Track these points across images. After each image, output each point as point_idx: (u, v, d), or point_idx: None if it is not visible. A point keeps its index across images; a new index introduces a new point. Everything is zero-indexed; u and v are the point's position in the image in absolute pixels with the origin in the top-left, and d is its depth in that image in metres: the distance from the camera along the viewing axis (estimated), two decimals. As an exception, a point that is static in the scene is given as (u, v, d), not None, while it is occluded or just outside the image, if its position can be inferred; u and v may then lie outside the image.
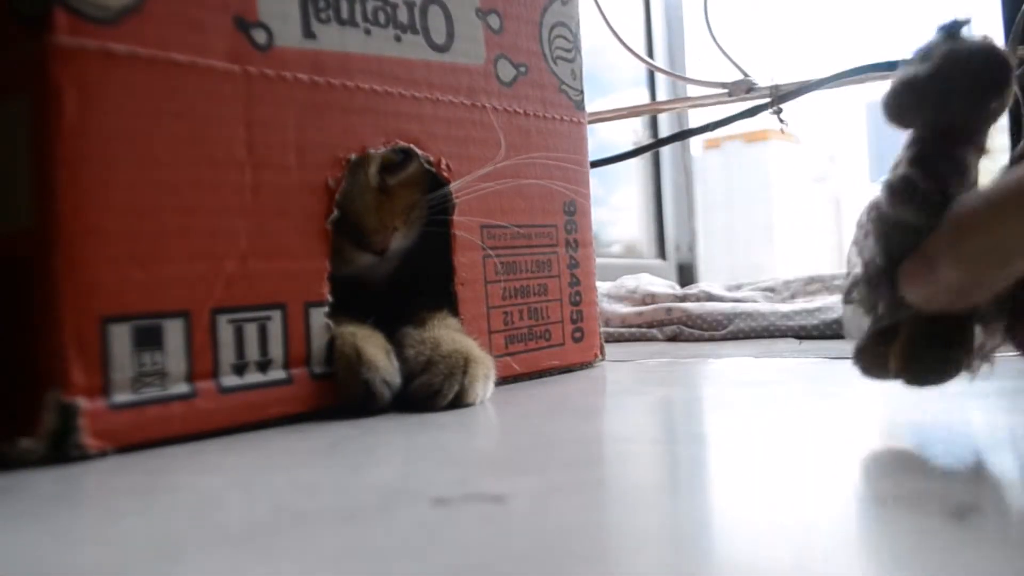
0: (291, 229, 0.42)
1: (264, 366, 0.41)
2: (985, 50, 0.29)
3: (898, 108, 0.30)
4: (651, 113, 1.56)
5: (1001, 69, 0.29)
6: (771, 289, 1.02)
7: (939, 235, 0.27)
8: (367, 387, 0.42)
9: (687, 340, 0.88)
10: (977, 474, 0.27)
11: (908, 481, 0.26)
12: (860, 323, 0.31)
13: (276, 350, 0.42)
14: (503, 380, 0.51)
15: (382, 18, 0.47)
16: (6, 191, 0.36)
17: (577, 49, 0.61)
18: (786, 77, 1.08)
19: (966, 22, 0.30)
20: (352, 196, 0.46)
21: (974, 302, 0.27)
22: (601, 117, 1.25)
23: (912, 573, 0.18)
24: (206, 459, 0.35)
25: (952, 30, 0.30)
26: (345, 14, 0.45)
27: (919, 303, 0.28)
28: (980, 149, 0.30)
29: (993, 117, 0.29)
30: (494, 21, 0.54)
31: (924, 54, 0.30)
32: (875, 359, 0.31)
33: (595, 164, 1.01)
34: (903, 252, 0.28)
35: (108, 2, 0.36)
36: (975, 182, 0.29)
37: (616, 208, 1.87)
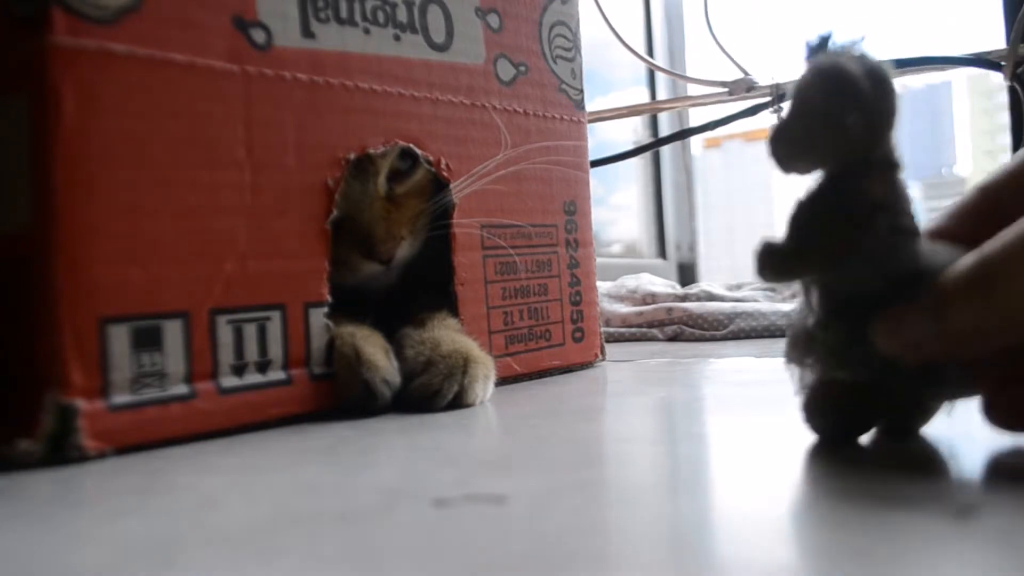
0: (290, 229, 0.42)
1: (263, 367, 0.41)
2: (823, 75, 0.28)
3: (781, 160, 0.29)
4: (651, 112, 1.56)
5: (844, 85, 0.27)
6: (772, 288, 1.02)
7: (956, 280, 0.25)
8: (367, 387, 0.42)
9: (688, 340, 0.87)
10: (978, 474, 0.27)
11: (909, 481, 0.26)
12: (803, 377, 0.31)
13: (275, 351, 0.41)
14: (503, 380, 0.51)
15: (381, 17, 0.47)
16: (5, 192, 0.36)
17: (577, 48, 0.61)
18: (786, 76, 1.08)
19: (823, 43, 0.29)
20: (361, 206, 0.46)
21: (976, 352, 0.26)
22: (601, 116, 1.25)
23: (913, 573, 0.18)
24: (205, 460, 0.35)
25: (815, 51, 0.29)
26: (344, 13, 0.45)
27: (896, 352, 0.27)
28: (886, 166, 0.28)
29: (868, 133, 0.27)
30: (493, 20, 0.54)
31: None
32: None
33: (595, 164, 1.01)
34: (860, 302, 0.28)
35: (106, 2, 0.36)
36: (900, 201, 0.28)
37: (616, 208, 1.87)
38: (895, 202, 0.27)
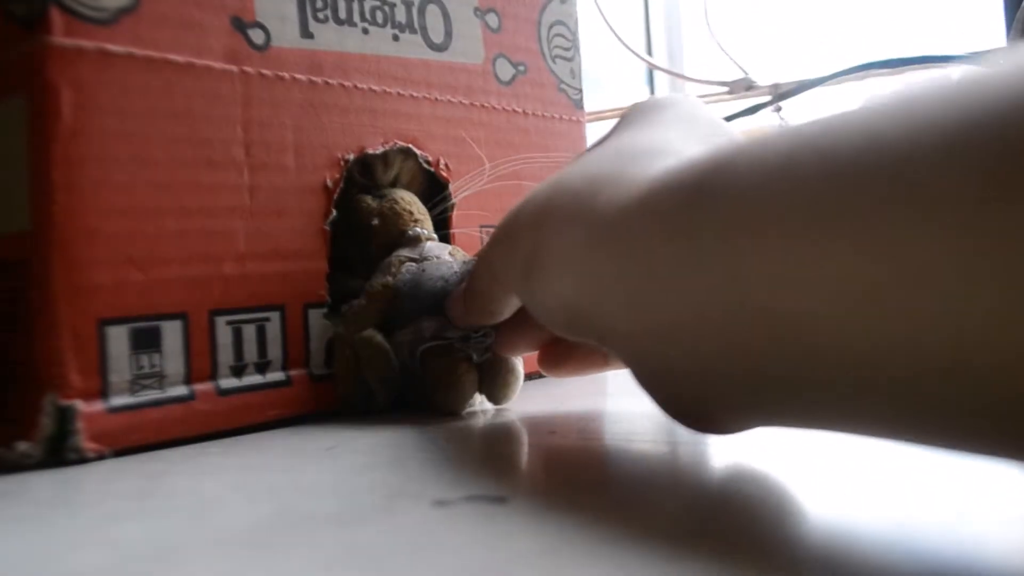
0: (289, 230, 0.42)
1: (263, 368, 0.41)
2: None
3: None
4: (650, 112, 1.55)
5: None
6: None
7: (465, 287, 0.39)
8: (366, 387, 0.42)
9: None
10: (978, 470, 0.27)
11: (910, 479, 0.26)
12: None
13: (275, 352, 0.41)
14: (503, 380, 0.51)
15: (380, 17, 0.47)
16: (3, 193, 0.36)
17: (576, 48, 0.61)
18: (786, 75, 1.07)
19: None
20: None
21: (482, 323, 0.40)
22: (601, 116, 1.25)
23: (916, 572, 0.18)
24: (205, 461, 0.34)
25: None
26: (343, 13, 0.45)
27: (457, 322, 0.40)
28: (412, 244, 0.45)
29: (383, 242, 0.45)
30: (492, 20, 0.54)
31: None
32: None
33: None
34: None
35: (104, 2, 0.36)
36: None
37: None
38: (424, 261, 0.43)
